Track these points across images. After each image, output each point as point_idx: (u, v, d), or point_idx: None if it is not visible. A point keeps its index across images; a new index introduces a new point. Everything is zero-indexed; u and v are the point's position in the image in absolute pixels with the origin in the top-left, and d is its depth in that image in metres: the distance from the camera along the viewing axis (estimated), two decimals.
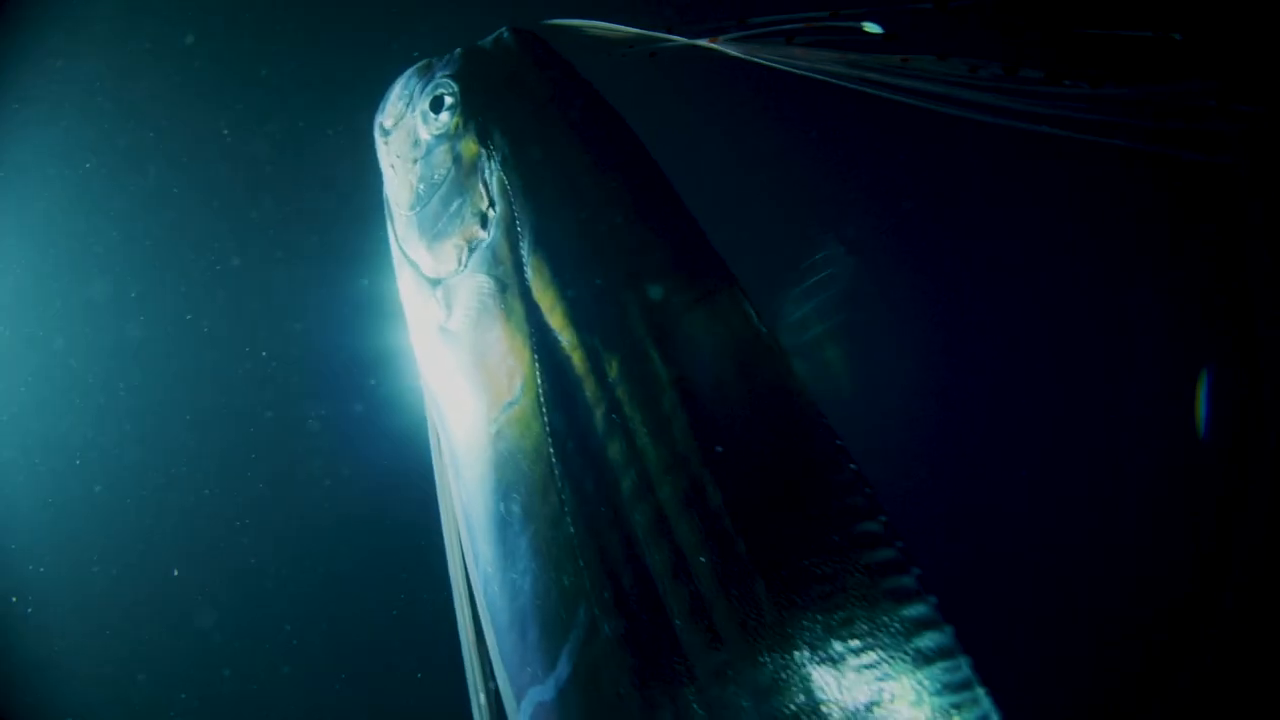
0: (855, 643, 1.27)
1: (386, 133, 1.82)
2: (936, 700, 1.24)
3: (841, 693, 1.25)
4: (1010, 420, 4.95)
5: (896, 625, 1.27)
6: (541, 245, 1.58)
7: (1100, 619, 5.31)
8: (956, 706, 1.23)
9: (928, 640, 1.25)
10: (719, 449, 1.38)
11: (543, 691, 1.44)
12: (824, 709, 1.25)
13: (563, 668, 1.42)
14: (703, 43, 1.52)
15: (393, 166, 1.80)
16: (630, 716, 1.35)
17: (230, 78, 4.93)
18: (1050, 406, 4.94)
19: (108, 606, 4.82)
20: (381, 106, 1.84)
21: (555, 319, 1.54)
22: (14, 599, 4.77)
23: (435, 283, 1.70)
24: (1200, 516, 5.23)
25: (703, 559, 1.35)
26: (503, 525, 1.53)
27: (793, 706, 1.26)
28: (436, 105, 1.72)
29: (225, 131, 4.91)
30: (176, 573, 4.84)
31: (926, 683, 1.24)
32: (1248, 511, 5.13)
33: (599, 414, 1.47)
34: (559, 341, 1.53)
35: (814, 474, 1.38)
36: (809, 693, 1.26)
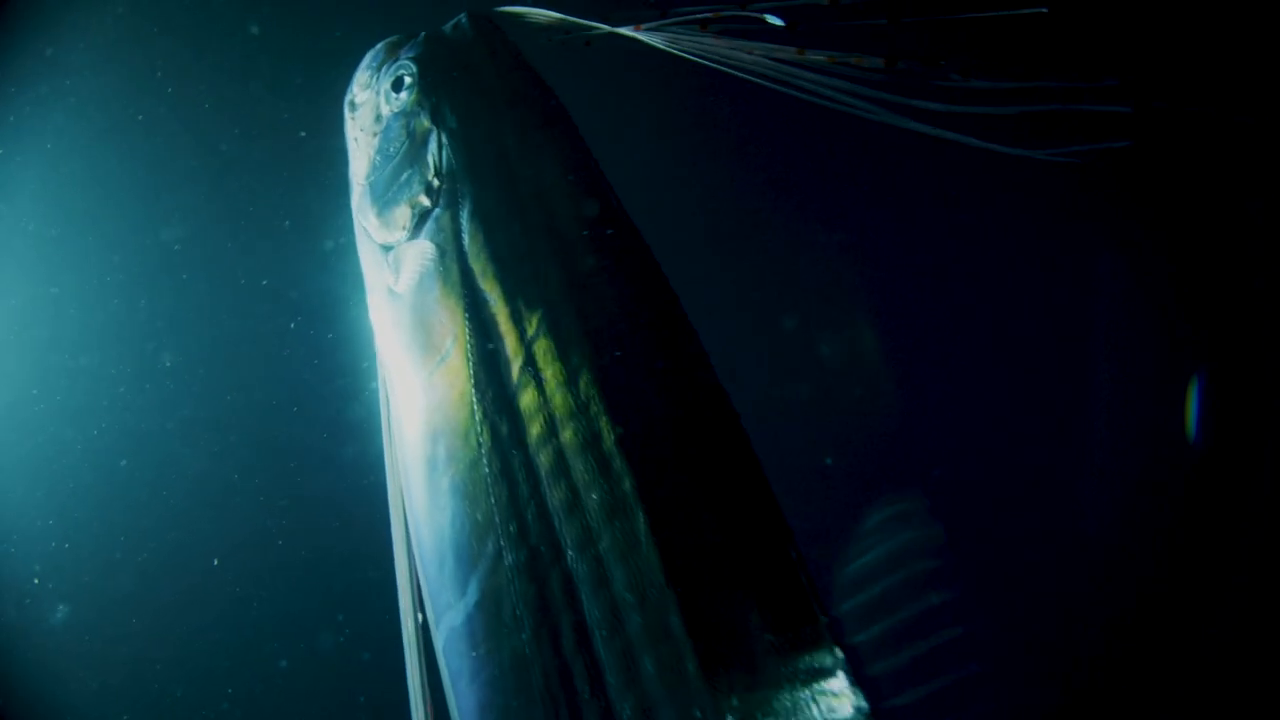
0: (718, 567, 1.42)
1: (354, 109, 1.99)
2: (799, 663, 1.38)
3: (703, 617, 1.41)
4: (992, 419, 4.98)
5: (753, 560, 1.41)
6: (477, 215, 1.75)
7: (1092, 621, 5.30)
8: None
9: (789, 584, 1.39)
10: (617, 395, 1.54)
11: (454, 616, 1.60)
12: (691, 630, 1.40)
13: (471, 594, 1.57)
14: (627, 31, 1.66)
15: (355, 140, 1.97)
16: (523, 635, 1.51)
17: (291, 52, 4.94)
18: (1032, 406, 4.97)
19: (141, 597, 4.74)
20: (350, 85, 2.01)
21: (486, 282, 1.71)
22: (36, 580, 4.70)
23: (386, 249, 1.87)
24: (1197, 518, 5.22)
25: (594, 495, 1.51)
26: (430, 467, 1.69)
27: (661, 626, 1.42)
28: (397, 85, 1.89)
29: (302, 130, 4.79)
30: (217, 562, 4.79)
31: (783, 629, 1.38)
32: (1247, 513, 5.11)
33: (516, 366, 1.64)
34: (487, 302, 1.69)
35: (699, 421, 1.55)
36: (676, 614, 1.42)
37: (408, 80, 1.87)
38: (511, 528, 1.57)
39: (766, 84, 1.50)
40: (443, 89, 1.85)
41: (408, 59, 1.89)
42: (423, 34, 1.96)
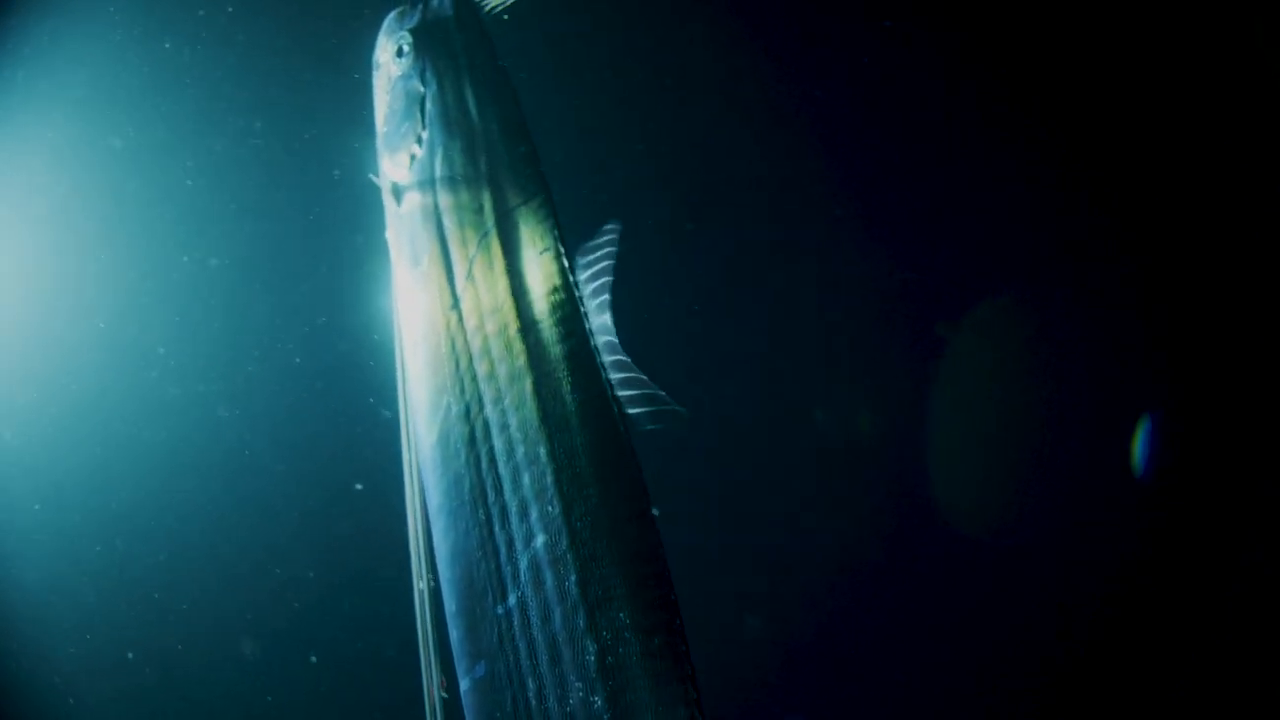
0: (580, 423, 2.06)
1: (377, 68, 2.56)
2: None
3: (563, 450, 2.05)
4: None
5: (597, 416, 2.05)
6: (445, 160, 2.33)
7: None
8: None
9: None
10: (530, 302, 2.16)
11: (426, 446, 2.25)
12: (553, 457, 2.05)
13: (433, 433, 2.22)
14: None
15: (378, 95, 2.53)
16: (460, 460, 2.16)
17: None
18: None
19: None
20: (375, 48, 2.55)
21: (447, 212, 2.30)
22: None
23: (395, 184, 2.45)
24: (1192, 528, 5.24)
25: (503, 369, 2.14)
26: (415, 346, 2.31)
27: (534, 455, 2.06)
28: (399, 52, 2.45)
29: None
30: (312, 575, 4.94)
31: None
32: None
33: (462, 275, 2.25)
34: (447, 226, 2.30)
35: (575, 319, 2.14)
36: (545, 447, 2.06)
37: (405, 49, 2.43)
38: (456, 389, 2.20)
39: None
40: (428, 57, 2.42)
41: (406, 30, 2.45)
42: (418, 6, 2.50)
